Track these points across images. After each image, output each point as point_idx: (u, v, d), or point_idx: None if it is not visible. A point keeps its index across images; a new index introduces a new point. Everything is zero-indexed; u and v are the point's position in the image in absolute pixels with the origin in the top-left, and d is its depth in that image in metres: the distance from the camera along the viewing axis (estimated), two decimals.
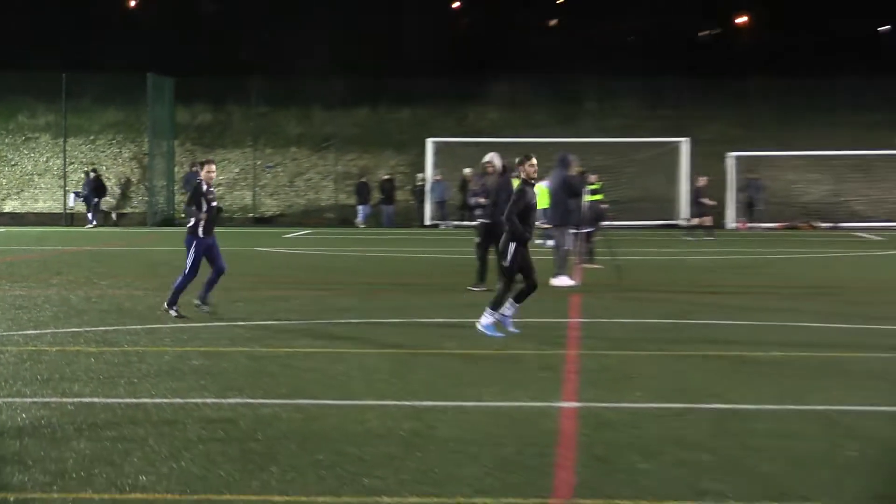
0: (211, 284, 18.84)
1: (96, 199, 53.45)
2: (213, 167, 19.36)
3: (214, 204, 18.79)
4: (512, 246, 16.51)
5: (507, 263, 16.60)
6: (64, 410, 11.44)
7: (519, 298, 16.80)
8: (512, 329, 16.59)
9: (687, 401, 11.97)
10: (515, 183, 17.29)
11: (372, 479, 8.91)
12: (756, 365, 14.31)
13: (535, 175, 17.08)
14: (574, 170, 25.02)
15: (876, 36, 79.93)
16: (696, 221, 44.22)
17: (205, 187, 18.69)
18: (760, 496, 8.54)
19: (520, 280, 16.58)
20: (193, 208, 18.52)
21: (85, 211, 53.85)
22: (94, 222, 53.02)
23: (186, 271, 18.55)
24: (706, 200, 44.11)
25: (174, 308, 18.58)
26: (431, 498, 8.47)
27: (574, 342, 16.13)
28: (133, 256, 34.13)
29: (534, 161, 16.88)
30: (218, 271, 18.70)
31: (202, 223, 18.44)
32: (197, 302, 18.71)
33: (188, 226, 18.67)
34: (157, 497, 8.52)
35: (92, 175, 54.05)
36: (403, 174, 57.51)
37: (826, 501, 8.45)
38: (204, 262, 18.62)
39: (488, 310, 16.55)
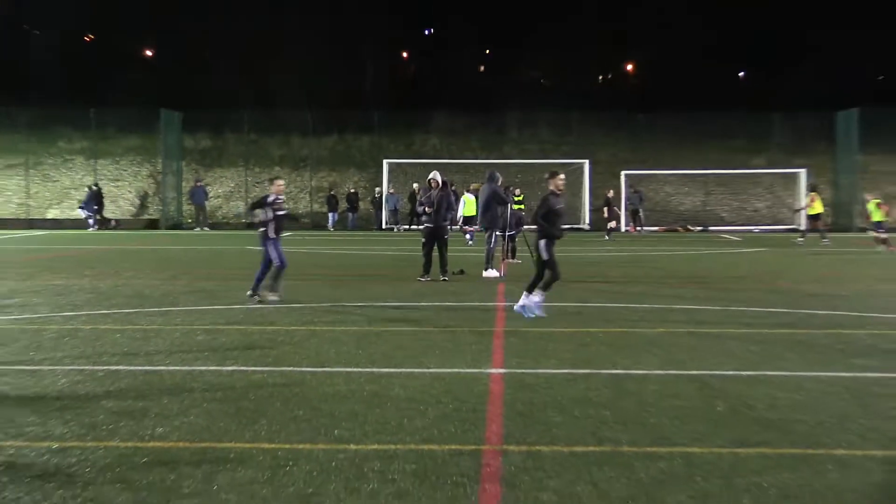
0: (259, 280, 18.56)
1: (95, 207, 52.68)
2: (282, 182, 19.32)
3: (281, 212, 18.56)
4: (542, 243, 16.33)
5: (546, 257, 16.32)
6: (95, 376, 11.36)
7: (545, 287, 16.53)
8: (540, 313, 16.38)
9: (591, 367, 11.98)
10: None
11: (341, 430, 8.92)
12: (645, 338, 14.34)
13: (563, 188, 16.57)
14: (500, 184, 24.95)
15: (735, 79, 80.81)
16: (612, 224, 44.39)
17: (272, 198, 18.53)
18: (649, 443, 8.59)
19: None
20: (255, 210, 18.56)
21: (86, 217, 52.61)
22: (95, 227, 51.97)
23: (277, 263, 18.38)
24: (605, 211, 44.29)
25: (276, 294, 18.52)
26: (389, 445, 8.47)
27: (501, 321, 16.11)
28: (150, 254, 33.82)
29: (562, 175, 16.50)
30: (277, 266, 18.51)
31: (272, 224, 18.33)
32: (249, 293, 18.54)
33: (260, 229, 18.51)
34: (170, 445, 8.48)
35: (94, 188, 53.35)
36: (364, 188, 57.33)
37: (701, 446, 8.50)
38: (256, 257, 18.55)
39: (539, 290, 16.34)
